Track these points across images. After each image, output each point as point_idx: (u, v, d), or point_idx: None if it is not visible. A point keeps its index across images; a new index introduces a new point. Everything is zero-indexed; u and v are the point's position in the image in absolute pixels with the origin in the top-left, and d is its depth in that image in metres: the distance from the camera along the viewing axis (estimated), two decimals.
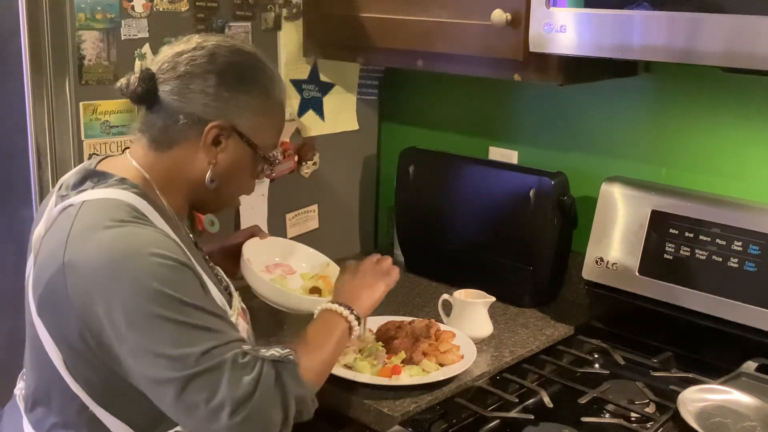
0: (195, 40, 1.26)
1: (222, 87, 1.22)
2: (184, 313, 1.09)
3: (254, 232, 1.57)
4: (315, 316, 1.34)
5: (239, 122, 1.24)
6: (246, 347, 1.13)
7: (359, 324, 1.33)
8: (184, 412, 1.10)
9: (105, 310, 1.09)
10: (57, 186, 1.27)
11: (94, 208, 1.17)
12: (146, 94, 1.22)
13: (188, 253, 1.19)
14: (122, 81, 1.24)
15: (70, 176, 1.26)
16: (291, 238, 2.02)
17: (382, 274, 1.44)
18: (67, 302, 1.12)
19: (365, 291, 1.39)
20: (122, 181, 1.21)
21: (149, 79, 1.22)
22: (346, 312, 1.32)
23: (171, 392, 1.08)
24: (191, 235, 1.34)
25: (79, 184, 1.22)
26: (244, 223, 1.93)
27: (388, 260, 1.48)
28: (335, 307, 1.32)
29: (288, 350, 1.18)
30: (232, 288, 1.38)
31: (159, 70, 1.23)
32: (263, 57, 1.30)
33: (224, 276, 1.39)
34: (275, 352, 1.16)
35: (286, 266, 1.62)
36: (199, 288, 1.14)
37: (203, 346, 1.08)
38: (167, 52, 1.25)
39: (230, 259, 1.52)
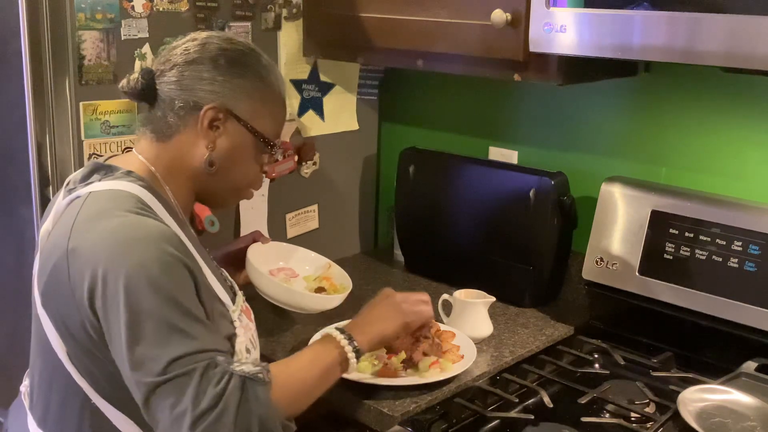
0: (190, 35, 1.31)
1: (216, 71, 1.26)
2: (168, 311, 1.09)
3: (256, 237, 1.59)
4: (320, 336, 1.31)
5: (235, 105, 1.27)
6: (220, 358, 1.11)
7: (357, 357, 1.28)
8: (150, 415, 1.11)
9: (99, 298, 1.10)
10: (65, 183, 1.30)
11: (100, 198, 1.19)
12: (146, 90, 1.26)
13: (192, 248, 1.20)
14: (123, 81, 1.28)
15: (78, 172, 1.28)
16: (291, 238, 2.03)
17: (408, 312, 1.39)
18: (69, 290, 1.14)
19: (379, 323, 1.34)
20: (129, 174, 1.24)
21: (148, 74, 1.26)
22: (344, 342, 1.27)
23: (139, 395, 1.10)
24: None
25: (86, 178, 1.25)
26: (245, 223, 1.93)
27: (424, 298, 1.44)
28: (335, 333, 1.28)
29: (260, 368, 1.14)
30: (236, 287, 1.39)
31: (157, 65, 1.28)
32: (259, 50, 1.33)
33: (228, 276, 1.39)
34: (246, 367, 1.13)
35: (289, 270, 1.63)
36: (192, 290, 1.14)
37: (176, 352, 1.08)
38: (165, 49, 1.31)
39: (233, 265, 1.53)
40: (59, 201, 1.26)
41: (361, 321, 1.34)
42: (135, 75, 1.27)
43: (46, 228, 1.25)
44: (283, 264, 1.64)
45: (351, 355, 1.27)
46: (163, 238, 1.14)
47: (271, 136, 1.32)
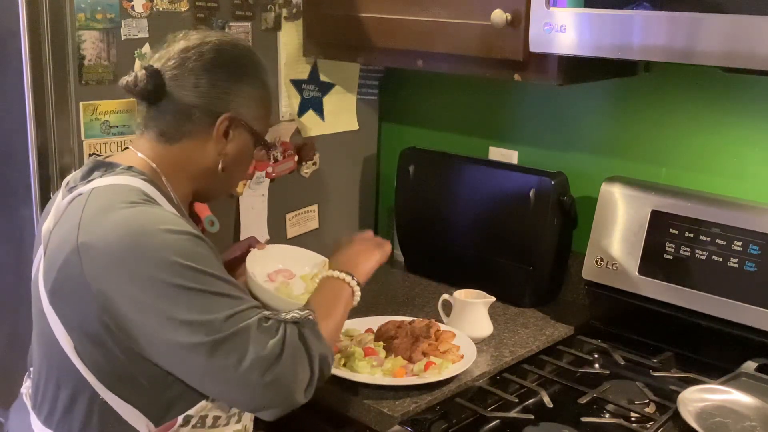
0: (196, 36, 1.31)
1: (230, 80, 1.29)
2: (203, 281, 1.12)
3: (251, 243, 1.60)
4: (319, 282, 1.38)
5: (244, 113, 1.31)
6: (266, 312, 1.17)
7: (359, 289, 1.37)
8: (213, 377, 1.13)
9: (125, 286, 1.11)
10: (64, 183, 1.30)
11: (104, 193, 1.20)
12: (155, 90, 1.26)
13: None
14: (128, 79, 1.27)
15: (77, 171, 1.29)
16: (291, 238, 2.03)
17: (376, 245, 1.47)
18: (82, 284, 1.14)
19: (362, 258, 1.42)
20: (129, 169, 1.25)
21: (157, 75, 1.26)
22: (348, 278, 1.35)
23: (200, 357, 1.11)
24: None
25: (87, 176, 1.25)
26: (245, 223, 1.93)
27: (379, 238, 1.53)
28: (337, 273, 1.36)
29: (307, 311, 1.23)
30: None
31: (164, 66, 1.28)
32: (254, 50, 1.38)
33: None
34: (295, 314, 1.20)
35: (287, 271, 1.63)
36: (215, 259, 1.18)
37: (226, 312, 1.12)
38: (169, 49, 1.30)
39: (231, 273, 1.54)
40: (59, 200, 1.26)
41: (348, 262, 1.40)
42: (141, 73, 1.26)
43: (47, 227, 1.25)
44: (281, 266, 1.64)
45: (356, 288, 1.36)
46: (173, 221, 1.16)
47: (265, 133, 1.38)
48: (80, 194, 1.21)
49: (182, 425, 1.20)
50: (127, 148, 1.33)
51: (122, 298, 1.12)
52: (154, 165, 1.28)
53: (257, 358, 1.11)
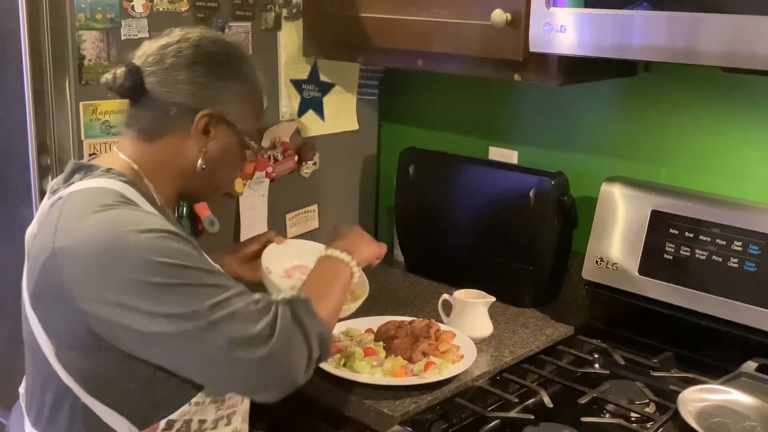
0: (177, 33, 1.29)
1: (210, 76, 1.26)
2: (182, 275, 1.10)
3: (270, 237, 1.58)
4: (316, 261, 1.37)
5: (227, 110, 1.27)
6: (257, 295, 1.15)
7: (359, 271, 1.37)
8: (205, 364, 1.11)
9: (104, 290, 1.10)
10: (49, 186, 1.29)
11: (81, 197, 1.19)
12: (134, 88, 1.24)
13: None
14: (108, 76, 1.25)
15: (60, 175, 1.28)
16: (291, 239, 2.02)
17: (373, 240, 1.47)
18: (61, 289, 1.13)
19: (362, 245, 1.42)
20: (108, 171, 1.23)
21: (135, 72, 1.24)
22: (347, 258, 1.34)
23: (189, 346, 1.10)
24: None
25: (68, 179, 1.25)
26: (245, 223, 1.93)
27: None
28: (338, 253, 1.35)
29: (296, 291, 1.21)
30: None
31: (144, 63, 1.26)
32: (242, 47, 1.35)
33: (221, 268, 1.39)
34: (285, 294, 1.19)
35: (305, 267, 1.60)
36: (194, 252, 1.16)
37: (211, 300, 1.10)
38: (151, 46, 1.28)
39: (246, 264, 1.54)
40: (43, 203, 1.26)
41: (348, 244, 1.39)
42: (120, 70, 1.24)
43: (31, 231, 1.25)
44: (298, 262, 1.62)
45: (356, 269, 1.35)
46: (149, 222, 1.14)
47: (255, 134, 1.34)
48: (60, 198, 1.21)
49: (165, 429, 1.19)
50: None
51: (103, 303, 1.10)
52: (135, 166, 1.26)
53: (247, 338, 1.10)
